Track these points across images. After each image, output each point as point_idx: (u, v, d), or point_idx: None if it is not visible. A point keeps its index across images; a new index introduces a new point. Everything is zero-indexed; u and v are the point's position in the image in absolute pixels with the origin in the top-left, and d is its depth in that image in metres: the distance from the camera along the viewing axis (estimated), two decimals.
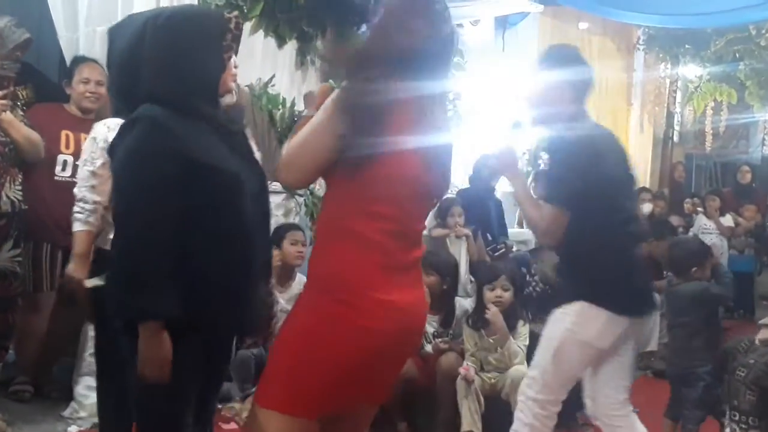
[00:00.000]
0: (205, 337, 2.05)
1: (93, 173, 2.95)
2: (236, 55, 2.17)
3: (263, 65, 5.01)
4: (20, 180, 3.70)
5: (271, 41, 4.93)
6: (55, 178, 3.89)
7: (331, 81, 2.08)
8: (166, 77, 2.01)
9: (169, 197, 1.91)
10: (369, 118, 1.85)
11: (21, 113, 3.74)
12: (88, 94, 3.94)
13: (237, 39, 2.13)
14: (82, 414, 3.70)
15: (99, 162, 2.92)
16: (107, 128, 2.92)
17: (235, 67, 2.17)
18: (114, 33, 2.15)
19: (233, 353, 3.34)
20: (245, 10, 4.60)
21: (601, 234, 2.74)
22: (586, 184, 2.68)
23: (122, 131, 2.01)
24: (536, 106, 2.90)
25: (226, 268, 2.00)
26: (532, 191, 4.15)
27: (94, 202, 2.93)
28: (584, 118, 2.89)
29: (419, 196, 1.98)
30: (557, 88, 2.80)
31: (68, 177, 3.87)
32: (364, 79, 1.89)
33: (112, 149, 2.06)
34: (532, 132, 3.02)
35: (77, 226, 2.96)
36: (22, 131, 3.55)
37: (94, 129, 3.03)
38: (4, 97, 3.45)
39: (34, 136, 3.54)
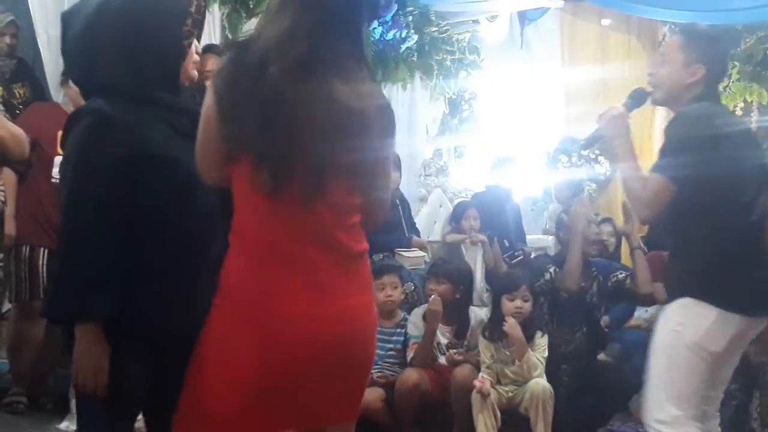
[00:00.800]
0: (149, 342, 1.91)
1: None
2: (199, 40, 2.06)
3: None
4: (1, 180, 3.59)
5: None
6: (52, 180, 3.80)
7: None
8: (122, 65, 1.91)
9: (112, 193, 1.84)
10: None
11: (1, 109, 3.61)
12: None
13: (198, 24, 2.01)
14: None
15: None
16: None
17: (197, 53, 2.05)
18: (68, 18, 2.02)
19: None
20: (251, 6, 4.48)
21: (714, 218, 2.51)
22: (702, 163, 2.45)
23: (68, 125, 1.93)
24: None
25: (170, 267, 1.90)
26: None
27: None
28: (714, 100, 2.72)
29: None
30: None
31: None
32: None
33: (63, 144, 1.98)
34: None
35: None
36: (8, 127, 3.41)
37: None
38: None
39: (20, 132, 3.40)
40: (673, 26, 8.59)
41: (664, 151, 2.59)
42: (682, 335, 2.50)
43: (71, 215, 1.86)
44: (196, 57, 2.05)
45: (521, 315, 3.77)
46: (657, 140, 9.47)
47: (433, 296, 3.82)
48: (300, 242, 1.74)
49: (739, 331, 2.51)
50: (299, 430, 1.85)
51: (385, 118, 1.82)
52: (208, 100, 1.76)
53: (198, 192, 1.92)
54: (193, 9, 1.98)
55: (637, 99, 2.76)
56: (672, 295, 2.60)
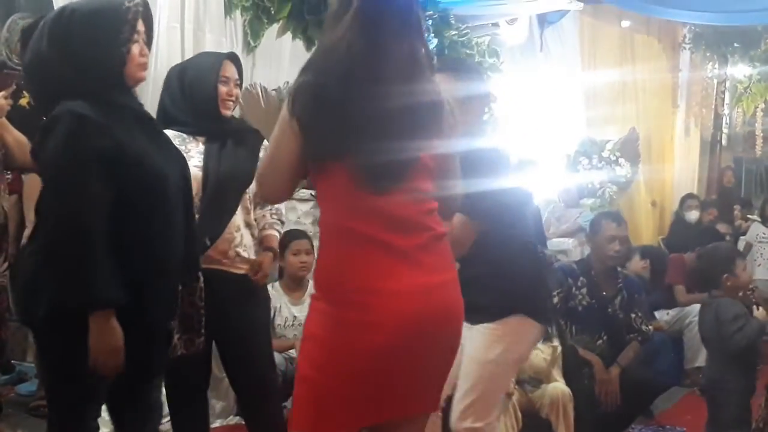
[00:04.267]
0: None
1: None
2: (148, 46, 2.18)
3: (291, 68, 4.86)
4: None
5: (300, 44, 4.80)
6: None
7: None
8: (80, 71, 2.03)
9: (99, 186, 1.95)
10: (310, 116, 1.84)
11: None
12: None
13: (134, 29, 2.10)
14: (104, 430, 3.59)
15: None
16: None
17: (142, 55, 2.14)
18: (26, 33, 2.22)
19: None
20: (273, 12, 4.49)
21: (517, 244, 2.71)
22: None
23: (43, 131, 2.01)
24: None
25: (141, 264, 2.01)
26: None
27: None
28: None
29: None
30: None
31: None
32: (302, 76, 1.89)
33: (35, 153, 2.08)
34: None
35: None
36: (15, 134, 3.45)
37: None
38: (5, 97, 3.34)
39: (24, 139, 3.44)
40: (692, 27, 8.56)
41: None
42: (513, 351, 2.69)
43: (65, 210, 1.93)
44: (141, 59, 2.14)
45: None
46: (678, 141, 9.43)
47: None
48: (391, 229, 1.83)
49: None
50: (375, 421, 1.90)
51: (447, 113, 1.95)
52: (284, 120, 1.86)
53: (168, 193, 2.08)
54: (129, 17, 2.08)
55: None
56: (492, 315, 2.65)
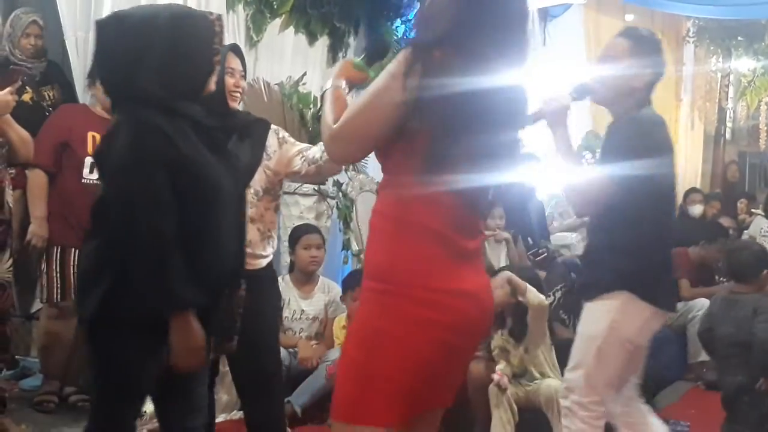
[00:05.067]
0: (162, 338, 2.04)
1: None
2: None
3: (294, 63, 4.89)
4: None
5: (302, 38, 4.82)
6: (83, 180, 3.82)
7: (354, 59, 2.05)
8: (161, 78, 2.01)
9: (165, 192, 1.96)
10: (439, 84, 1.70)
11: None
12: None
13: (221, 41, 2.16)
14: None
15: None
16: None
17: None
18: (104, 28, 2.11)
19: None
20: (275, 7, 4.49)
21: (650, 221, 2.62)
22: (646, 168, 2.55)
23: (109, 137, 2.03)
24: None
25: (195, 273, 2.00)
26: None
27: None
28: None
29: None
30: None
31: (96, 179, 3.80)
32: (434, 40, 1.76)
33: (99, 156, 2.08)
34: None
35: None
36: (18, 130, 3.45)
37: None
38: (12, 93, 3.34)
39: (27, 135, 3.44)
40: (696, 21, 8.55)
41: (610, 152, 2.68)
42: (618, 331, 2.64)
43: (139, 215, 1.93)
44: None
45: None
46: (682, 135, 9.41)
47: None
48: (463, 231, 1.81)
49: (658, 327, 2.74)
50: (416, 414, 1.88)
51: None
52: (392, 86, 1.73)
53: (222, 205, 2.08)
54: (218, 29, 2.13)
55: (582, 92, 2.80)
56: (606, 288, 2.66)
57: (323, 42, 5.10)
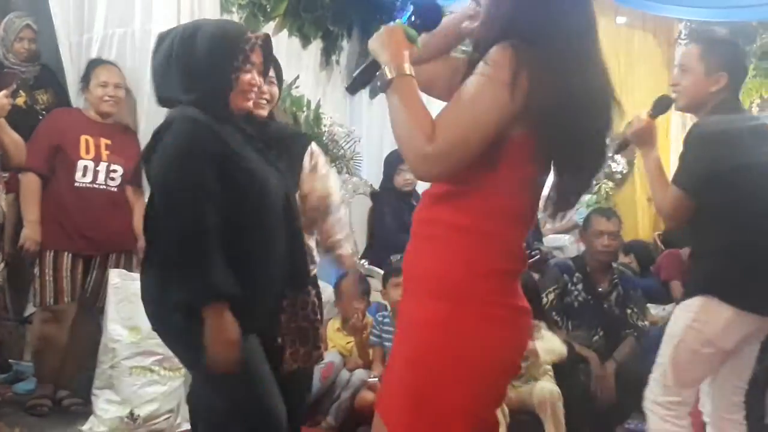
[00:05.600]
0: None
1: None
2: (263, 75, 2.26)
3: (287, 66, 4.84)
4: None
5: (295, 41, 4.82)
6: (75, 184, 3.83)
7: (406, 26, 1.70)
8: (183, 83, 2.12)
9: (212, 184, 1.99)
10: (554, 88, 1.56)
11: None
12: (107, 98, 3.87)
13: (248, 60, 2.17)
14: (102, 428, 3.61)
15: None
16: None
17: (251, 84, 2.19)
18: (159, 39, 2.24)
19: None
20: (268, 9, 4.49)
21: (736, 222, 2.62)
22: (717, 172, 2.59)
23: (158, 133, 2.08)
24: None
25: (238, 270, 2.00)
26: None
27: None
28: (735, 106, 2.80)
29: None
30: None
31: (89, 183, 3.84)
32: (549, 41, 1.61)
33: (148, 153, 2.10)
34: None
35: None
36: (11, 135, 3.45)
37: None
38: (6, 96, 3.33)
39: (20, 140, 3.44)
40: (688, 23, 8.57)
41: (685, 161, 2.70)
42: (699, 331, 2.62)
43: (187, 206, 1.96)
44: (249, 89, 2.19)
45: None
46: (674, 136, 9.42)
47: None
48: (521, 243, 1.74)
49: (751, 331, 2.64)
50: None
51: None
52: (498, 94, 1.54)
53: (271, 204, 2.12)
54: (247, 47, 2.16)
55: (661, 107, 2.85)
56: (691, 292, 2.69)
57: (316, 45, 5.10)
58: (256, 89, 2.23)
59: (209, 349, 1.96)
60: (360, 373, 3.93)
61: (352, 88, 1.84)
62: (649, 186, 2.83)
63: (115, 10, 4.09)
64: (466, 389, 1.62)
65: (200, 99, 2.09)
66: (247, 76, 2.18)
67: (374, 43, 1.69)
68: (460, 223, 1.64)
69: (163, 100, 2.20)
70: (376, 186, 5.19)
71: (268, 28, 4.60)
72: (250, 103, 2.23)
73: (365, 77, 1.76)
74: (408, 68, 1.62)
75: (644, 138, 2.80)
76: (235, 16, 4.44)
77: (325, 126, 4.72)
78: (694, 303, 2.65)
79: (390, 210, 4.89)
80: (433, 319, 1.63)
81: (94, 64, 3.90)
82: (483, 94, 1.55)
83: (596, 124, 1.66)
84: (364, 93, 5.70)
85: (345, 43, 5.19)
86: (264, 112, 2.54)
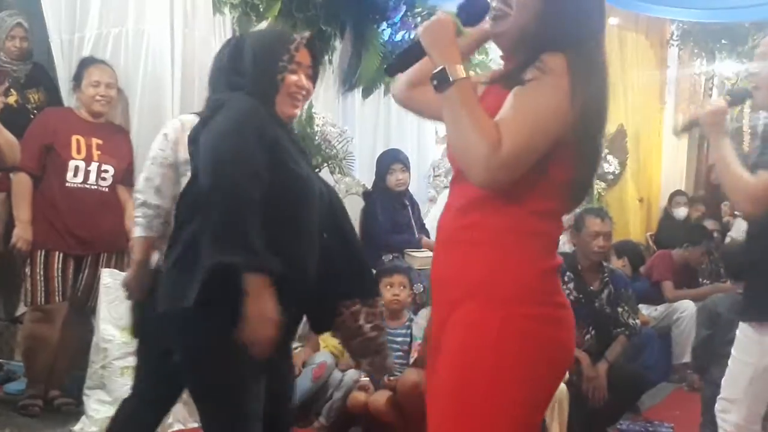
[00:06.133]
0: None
1: (162, 174, 2.76)
2: (312, 78, 2.24)
3: None
4: None
5: None
6: (67, 184, 3.81)
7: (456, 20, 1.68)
8: (236, 88, 2.12)
9: (262, 166, 1.95)
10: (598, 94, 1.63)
11: None
12: (98, 98, 3.85)
13: (293, 59, 2.14)
14: (93, 429, 3.61)
15: (169, 161, 2.75)
16: (181, 125, 2.76)
17: (297, 86, 2.17)
18: (219, 51, 2.30)
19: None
20: (261, 9, 4.48)
21: None
22: None
23: (210, 112, 2.07)
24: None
25: (283, 261, 1.95)
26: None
27: (157, 207, 2.76)
28: None
29: None
30: None
31: (80, 183, 3.82)
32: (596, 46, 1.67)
33: (196, 134, 2.06)
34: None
35: (138, 231, 2.78)
36: (5, 135, 3.44)
37: (166, 125, 2.86)
38: (1, 94, 3.33)
39: (14, 139, 3.43)
40: (680, 24, 8.60)
41: None
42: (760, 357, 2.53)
43: (227, 174, 1.90)
44: (295, 90, 2.16)
45: None
46: (666, 138, 9.45)
47: None
48: (555, 239, 1.73)
49: None
50: None
51: None
52: (559, 101, 1.57)
53: (308, 201, 2.10)
54: (292, 46, 2.13)
55: (738, 97, 2.73)
56: (756, 315, 2.55)
57: None
58: (303, 92, 2.19)
59: (248, 322, 1.87)
60: (352, 374, 3.92)
61: (391, 70, 1.87)
62: (720, 174, 2.57)
63: (108, 10, 4.07)
64: (523, 393, 1.60)
65: (252, 93, 2.09)
66: (293, 77, 2.14)
67: (426, 35, 1.66)
68: (508, 226, 1.63)
69: (212, 102, 2.18)
70: (369, 186, 5.19)
71: (261, 27, 4.59)
72: (297, 111, 2.21)
73: (407, 60, 1.77)
74: (462, 70, 1.60)
75: (717, 123, 2.59)
76: (228, 17, 4.43)
77: (317, 126, 4.70)
78: (755, 330, 2.52)
79: (382, 210, 4.89)
80: (487, 323, 1.60)
81: (86, 63, 3.88)
82: (547, 102, 1.56)
83: (605, 123, 1.70)
84: (357, 92, 5.71)
85: (337, 43, 5.18)
86: (298, 111, 2.40)
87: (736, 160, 2.51)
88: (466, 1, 1.69)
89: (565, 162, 1.61)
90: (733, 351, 2.64)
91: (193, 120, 2.51)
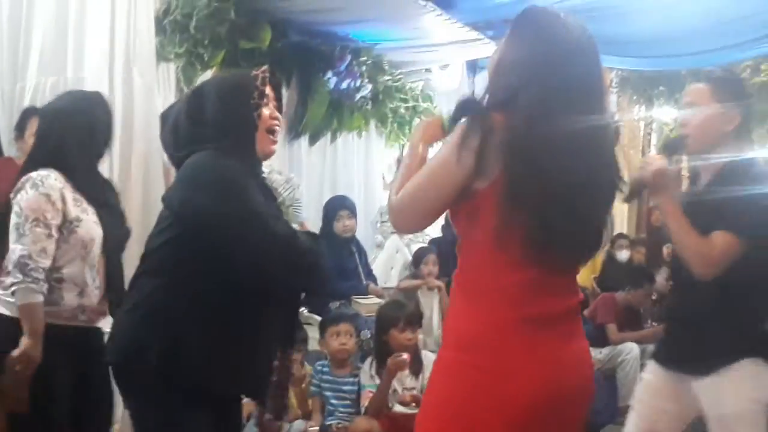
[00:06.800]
0: (214, 400, 2.06)
1: (49, 235, 2.64)
2: (278, 110, 2.27)
3: None
4: None
5: None
6: None
7: (443, 118, 1.92)
8: (208, 137, 2.11)
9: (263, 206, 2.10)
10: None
11: None
12: None
13: (263, 94, 2.17)
14: None
15: (55, 222, 2.67)
16: (61, 186, 2.71)
17: (272, 118, 2.21)
18: (163, 117, 2.32)
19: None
20: (206, 58, 4.48)
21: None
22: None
23: (185, 175, 2.08)
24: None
25: (238, 318, 2.00)
26: None
27: (43, 269, 2.60)
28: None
29: None
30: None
31: None
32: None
33: (174, 195, 2.13)
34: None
35: (30, 298, 2.56)
36: None
37: (44, 185, 2.74)
38: None
39: None
40: (619, 71, 8.83)
41: (728, 206, 2.46)
42: (759, 403, 2.46)
43: (255, 227, 1.98)
44: (272, 123, 2.21)
45: None
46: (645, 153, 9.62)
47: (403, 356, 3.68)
48: (540, 294, 1.73)
49: None
50: None
51: None
52: (451, 152, 1.70)
53: (291, 248, 2.08)
54: (258, 82, 2.14)
55: (673, 148, 2.72)
56: (726, 360, 2.47)
57: None
58: (278, 123, 2.23)
59: None
60: (299, 425, 3.86)
61: None
62: (674, 237, 2.51)
63: (47, 58, 4.02)
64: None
65: (222, 146, 2.08)
66: (267, 111, 2.17)
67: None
68: (469, 279, 1.81)
69: (180, 159, 2.15)
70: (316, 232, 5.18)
71: (206, 77, 4.59)
72: (275, 146, 2.23)
73: None
74: (413, 149, 1.92)
75: (663, 184, 2.54)
76: (172, 65, 4.42)
77: (264, 172, 4.71)
78: (742, 373, 2.44)
79: (329, 257, 4.88)
80: (442, 372, 1.79)
81: (29, 113, 3.81)
82: (439, 156, 1.79)
83: (575, 183, 1.78)
84: (304, 140, 5.74)
85: (284, 92, 5.21)
86: (276, 146, 2.40)
87: (687, 222, 2.48)
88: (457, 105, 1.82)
89: (479, 212, 1.72)
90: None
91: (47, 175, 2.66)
